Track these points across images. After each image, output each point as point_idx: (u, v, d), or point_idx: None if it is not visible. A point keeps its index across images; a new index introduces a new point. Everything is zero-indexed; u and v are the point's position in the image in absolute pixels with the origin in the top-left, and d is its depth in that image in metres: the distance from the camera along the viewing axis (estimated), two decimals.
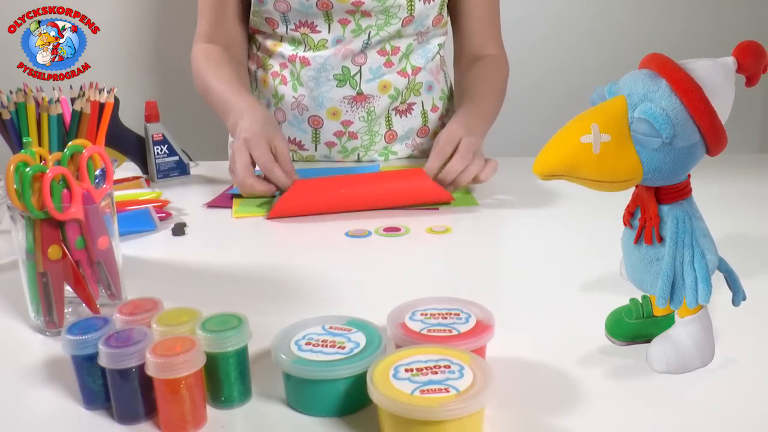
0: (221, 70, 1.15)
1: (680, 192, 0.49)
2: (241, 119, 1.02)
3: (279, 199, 0.94)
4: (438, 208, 0.96)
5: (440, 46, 1.22)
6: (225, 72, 1.15)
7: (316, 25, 1.13)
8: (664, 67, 0.46)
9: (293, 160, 1.22)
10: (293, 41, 1.16)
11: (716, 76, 0.46)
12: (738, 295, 0.52)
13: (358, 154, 1.22)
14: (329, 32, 1.13)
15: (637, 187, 0.50)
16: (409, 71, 1.18)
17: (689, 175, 0.49)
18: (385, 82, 1.17)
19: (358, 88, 1.16)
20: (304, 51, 1.15)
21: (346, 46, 1.13)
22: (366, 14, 1.11)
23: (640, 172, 0.46)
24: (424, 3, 1.12)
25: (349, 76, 1.15)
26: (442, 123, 1.26)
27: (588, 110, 0.47)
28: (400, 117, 1.21)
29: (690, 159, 0.47)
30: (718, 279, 0.51)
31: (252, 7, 1.16)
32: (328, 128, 1.19)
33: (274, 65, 1.19)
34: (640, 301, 0.56)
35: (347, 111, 1.17)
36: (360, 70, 1.15)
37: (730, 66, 0.47)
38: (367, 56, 1.15)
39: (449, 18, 1.23)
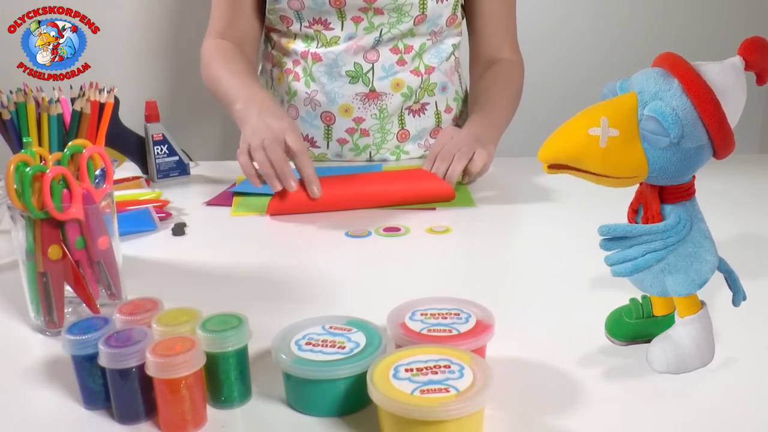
0: (231, 62, 1.15)
1: (684, 192, 0.49)
2: (248, 112, 1.00)
3: (275, 195, 0.93)
4: (435, 208, 0.96)
5: (454, 46, 1.22)
6: (235, 65, 1.14)
7: (330, 23, 1.13)
8: (677, 67, 0.46)
9: None
10: (306, 38, 1.17)
11: (726, 78, 0.46)
12: (738, 296, 0.52)
13: (370, 152, 1.21)
14: (342, 29, 1.13)
15: (641, 184, 0.50)
16: (422, 70, 1.18)
17: (694, 177, 0.49)
18: (398, 80, 1.17)
19: (370, 85, 1.16)
20: (316, 47, 1.16)
21: (357, 42, 1.13)
22: (379, 12, 1.11)
23: (645, 169, 0.46)
24: (437, 2, 1.12)
25: (362, 73, 1.15)
26: (456, 124, 1.26)
27: (598, 104, 0.47)
28: (414, 116, 1.21)
29: (696, 160, 0.47)
30: (718, 279, 0.51)
31: (267, 5, 1.16)
32: (340, 125, 1.19)
33: (288, 62, 1.20)
34: (640, 301, 0.56)
35: (359, 108, 1.17)
36: (372, 68, 1.15)
37: (738, 66, 0.47)
38: (380, 53, 1.15)
39: (465, 19, 1.23)
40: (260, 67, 1.28)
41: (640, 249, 0.48)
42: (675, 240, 0.48)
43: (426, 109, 1.21)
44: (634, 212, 0.51)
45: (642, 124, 0.45)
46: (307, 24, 1.14)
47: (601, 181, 0.47)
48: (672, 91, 0.45)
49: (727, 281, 0.53)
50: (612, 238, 0.49)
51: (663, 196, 0.49)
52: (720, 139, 0.46)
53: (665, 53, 0.48)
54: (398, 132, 1.21)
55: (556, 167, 0.47)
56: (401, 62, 1.16)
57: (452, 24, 1.18)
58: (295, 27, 1.16)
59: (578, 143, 0.45)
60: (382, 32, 1.13)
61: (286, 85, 1.21)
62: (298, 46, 1.17)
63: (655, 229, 0.48)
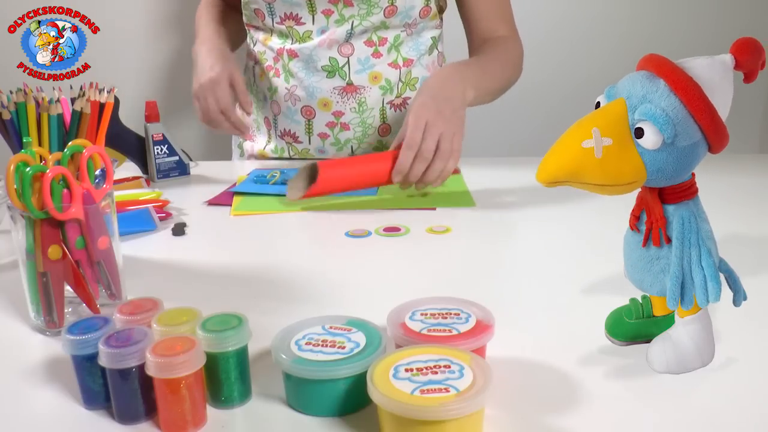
0: (212, 13, 1.26)
1: (685, 192, 0.49)
2: (199, 57, 1.14)
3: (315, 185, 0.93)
4: (435, 208, 0.96)
5: (434, 39, 1.21)
6: (216, 14, 1.26)
7: (301, 17, 1.14)
8: (661, 68, 0.46)
9: (289, 157, 1.24)
10: (281, 35, 1.18)
11: (714, 73, 0.46)
12: (739, 296, 0.52)
13: (351, 147, 1.21)
14: (314, 23, 1.14)
15: (641, 189, 0.50)
16: (400, 63, 1.18)
17: (693, 174, 0.49)
18: (376, 73, 1.17)
19: (347, 79, 1.16)
20: (291, 44, 1.16)
21: (330, 36, 1.14)
22: (348, 3, 1.11)
23: (644, 173, 0.46)
24: None
25: (338, 67, 1.15)
26: None
27: (588, 115, 0.47)
28: (395, 111, 1.20)
29: (693, 158, 0.47)
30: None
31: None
32: (320, 119, 1.19)
33: (268, 59, 1.21)
34: (640, 301, 0.56)
35: (338, 102, 1.17)
36: (348, 61, 1.15)
37: (728, 63, 0.47)
38: (354, 47, 1.15)
39: (459, 12, 1.23)
40: (244, 66, 1.30)
41: (698, 272, 0.48)
42: (696, 236, 0.48)
43: (407, 104, 1.20)
44: (636, 218, 0.51)
45: (638, 140, 0.45)
46: (279, 19, 1.15)
47: (601, 190, 0.47)
48: (659, 92, 0.45)
49: (727, 281, 0.52)
50: (683, 294, 0.48)
51: (664, 197, 0.49)
52: (713, 134, 0.46)
53: (648, 55, 0.48)
54: (380, 126, 1.20)
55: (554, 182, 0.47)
56: (377, 54, 1.16)
57: (426, 16, 1.17)
58: (268, 22, 1.17)
59: (574, 158, 0.45)
60: (354, 24, 1.13)
61: (267, 81, 1.22)
62: (275, 42, 1.19)
63: (678, 252, 0.48)
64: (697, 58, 0.47)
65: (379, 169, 0.94)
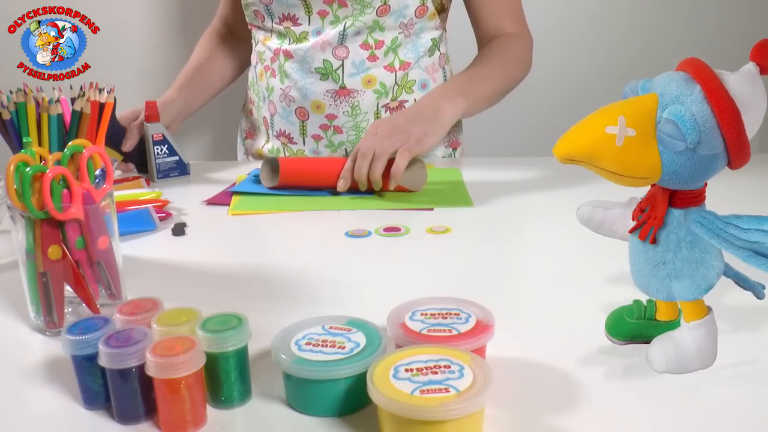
0: (192, 59, 1.31)
1: (694, 198, 0.48)
2: None
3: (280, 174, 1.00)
4: (433, 209, 0.96)
5: (434, 41, 1.20)
6: (192, 62, 1.31)
7: (297, 18, 1.14)
8: (700, 73, 0.46)
9: (284, 155, 1.24)
10: (280, 35, 1.18)
11: (743, 87, 0.45)
12: (757, 290, 0.52)
13: (346, 149, 1.21)
14: (309, 24, 1.14)
15: (652, 186, 0.50)
16: (397, 66, 1.17)
17: (706, 183, 0.49)
18: (370, 77, 1.16)
19: (340, 82, 1.15)
20: (288, 44, 1.16)
21: (323, 38, 1.13)
22: (342, 4, 1.11)
23: (659, 172, 0.46)
24: None
25: (331, 70, 1.15)
26: None
27: (617, 102, 0.47)
28: (391, 114, 1.19)
29: (710, 168, 0.47)
30: (724, 282, 0.51)
31: (243, 0, 1.18)
32: (313, 121, 1.19)
33: (266, 59, 1.21)
34: (644, 303, 0.55)
35: (330, 105, 1.17)
36: (342, 64, 1.15)
37: (753, 72, 0.46)
38: (349, 50, 1.14)
39: (466, 10, 1.22)
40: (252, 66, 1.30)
41: (753, 234, 0.46)
42: (719, 221, 0.47)
43: (404, 107, 1.19)
44: (641, 211, 0.51)
45: (659, 126, 0.45)
46: (278, 20, 1.16)
47: (614, 178, 0.47)
48: (693, 97, 0.45)
49: (738, 284, 0.52)
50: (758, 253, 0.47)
51: (673, 200, 0.49)
52: (735, 150, 0.46)
53: (690, 58, 0.47)
54: None
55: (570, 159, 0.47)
56: (372, 58, 1.15)
57: (423, 15, 1.16)
58: (267, 23, 1.18)
59: (594, 141, 0.45)
60: (346, 25, 1.12)
61: (265, 81, 1.22)
62: (273, 43, 1.19)
63: (724, 243, 0.47)
64: (729, 74, 0.46)
65: (336, 168, 1.01)
